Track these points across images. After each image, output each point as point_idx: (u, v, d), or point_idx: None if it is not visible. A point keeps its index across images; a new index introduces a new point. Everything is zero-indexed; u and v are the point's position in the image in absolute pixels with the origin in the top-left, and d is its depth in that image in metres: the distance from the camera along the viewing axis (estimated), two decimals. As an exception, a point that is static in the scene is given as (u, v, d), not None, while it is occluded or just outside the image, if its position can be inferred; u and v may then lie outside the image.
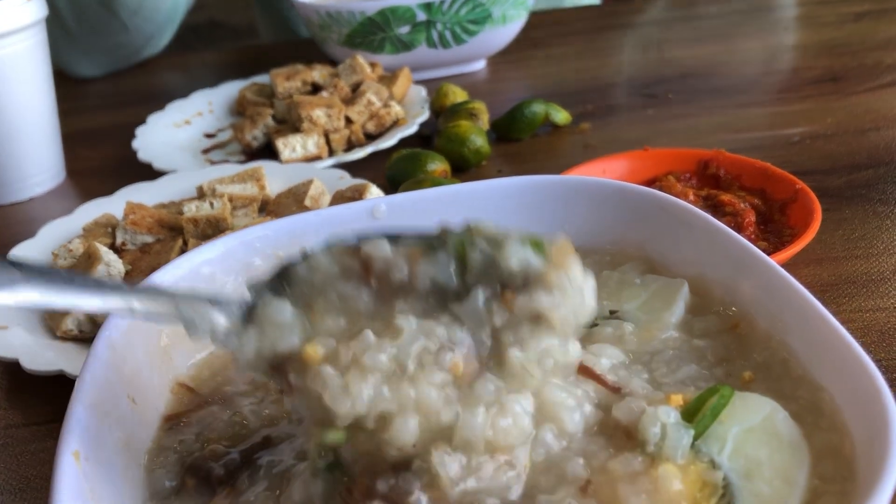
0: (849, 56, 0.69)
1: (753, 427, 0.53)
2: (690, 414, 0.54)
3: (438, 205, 0.79)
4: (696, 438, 0.52)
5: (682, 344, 0.66)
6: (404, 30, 0.62)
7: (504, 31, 0.62)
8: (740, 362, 0.62)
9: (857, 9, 0.82)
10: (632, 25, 0.80)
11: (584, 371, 0.59)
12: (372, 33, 0.62)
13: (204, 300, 0.52)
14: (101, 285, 0.49)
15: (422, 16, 0.64)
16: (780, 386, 0.59)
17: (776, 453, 0.52)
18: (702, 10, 0.82)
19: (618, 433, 0.54)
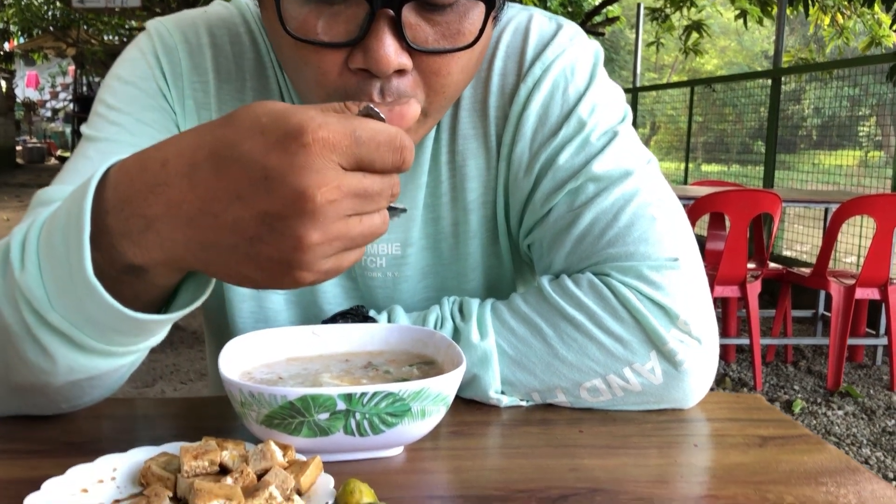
0: (752, 487, 0.63)
1: None
2: None
3: None
4: None
5: None
6: (323, 416, 0.60)
7: (422, 424, 0.61)
8: None
9: (763, 432, 0.75)
10: (547, 422, 0.77)
11: None
12: (291, 416, 0.60)
13: None
14: None
15: (341, 405, 0.62)
16: None
17: None
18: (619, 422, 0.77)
19: None
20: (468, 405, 0.78)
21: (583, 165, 0.82)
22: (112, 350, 0.63)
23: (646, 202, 0.80)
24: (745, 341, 3.94)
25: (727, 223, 3.81)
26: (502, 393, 0.77)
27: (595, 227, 0.80)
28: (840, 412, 3.57)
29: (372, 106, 0.52)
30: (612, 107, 0.85)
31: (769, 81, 6.17)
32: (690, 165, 8.02)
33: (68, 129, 21.57)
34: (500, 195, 0.88)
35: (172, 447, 0.61)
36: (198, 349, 4.36)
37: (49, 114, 26.90)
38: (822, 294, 4.49)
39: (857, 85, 5.89)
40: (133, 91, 0.84)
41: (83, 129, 0.84)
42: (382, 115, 0.53)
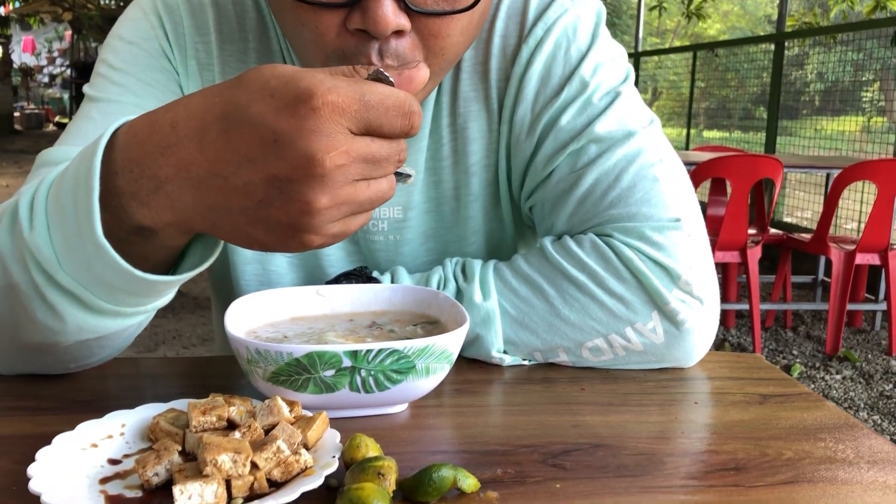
0: (752, 443, 0.64)
1: None
2: None
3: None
4: None
5: None
6: (329, 373, 0.60)
7: (427, 381, 0.62)
8: None
9: (763, 390, 0.75)
10: (549, 380, 0.77)
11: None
12: (297, 373, 0.60)
13: None
14: None
15: (347, 362, 0.62)
16: None
17: None
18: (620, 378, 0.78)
19: None
20: (471, 364, 0.79)
21: (585, 126, 0.81)
22: (120, 310, 0.63)
23: (648, 163, 0.80)
24: (744, 306, 3.95)
25: (728, 189, 3.80)
26: (505, 352, 0.78)
27: (597, 189, 0.80)
28: (838, 376, 3.60)
29: (381, 70, 0.52)
30: (615, 67, 0.84)
31: (772, 46, 6.11)
32: (692, 131, 7.98)
33: (66, 96, 21.41)
34: (501, 157, 0.88)
35: (180, 404, 0.62)
36: (199, 315, 4.38)
37: (46, 80, 26.67)
38: (822, 260, 4.50)
39: (861, 50, 5.84)
40: (135, 51, 0.83)
41: (85, 89, 0.84)
42: (391, 80, 0.53)
